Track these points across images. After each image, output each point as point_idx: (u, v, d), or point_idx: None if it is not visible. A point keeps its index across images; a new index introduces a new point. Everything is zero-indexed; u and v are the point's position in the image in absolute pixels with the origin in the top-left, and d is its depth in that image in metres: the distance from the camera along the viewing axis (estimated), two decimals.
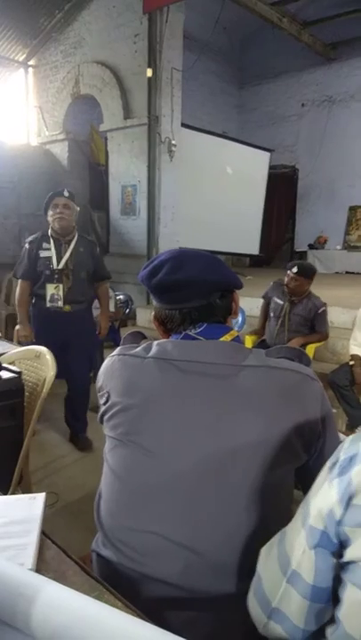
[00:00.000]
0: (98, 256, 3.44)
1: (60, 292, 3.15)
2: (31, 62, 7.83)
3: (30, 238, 3.25)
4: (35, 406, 1.86)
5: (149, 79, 5.95)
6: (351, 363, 3.46)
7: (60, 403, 3.39)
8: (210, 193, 7.53)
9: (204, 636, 0.89)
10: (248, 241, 8.76)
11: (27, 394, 1.88)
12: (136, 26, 6.08)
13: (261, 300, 4.10)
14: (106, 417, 1.07)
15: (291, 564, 0.73)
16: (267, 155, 8.70)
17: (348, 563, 0.67)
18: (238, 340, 1.09)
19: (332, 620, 0.70)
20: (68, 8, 6.90)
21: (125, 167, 6.48)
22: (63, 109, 7.40)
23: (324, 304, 3.77)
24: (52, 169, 7.64)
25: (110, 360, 1.11)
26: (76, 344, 3.24)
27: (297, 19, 8.42)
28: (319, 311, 3.72)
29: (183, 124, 6.58)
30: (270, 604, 0.75)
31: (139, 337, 1.30)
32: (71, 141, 7.50)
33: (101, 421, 1.10)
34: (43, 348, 2.04)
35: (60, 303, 3.15)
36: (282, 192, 9.95)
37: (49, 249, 3.16)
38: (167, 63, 6.04)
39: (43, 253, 3.16)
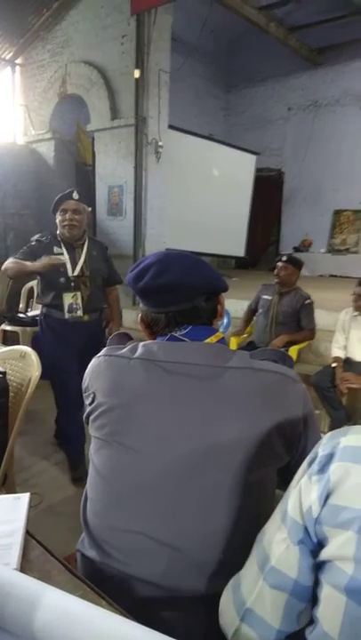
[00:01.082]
0: (110, 259, 3.24)
1: (79, 301, 2.89)
2: (18, 61, 7.77)
3: (38, 236, 2.99)
4: (19, 407, 1.85)
5: (137, 80, 5.95)
6: (333, 365, 3.50)
7: (46, 403, 3.36)
8: (196, 195, 7.55)
9: (189, 636, 0.90)
10: (234, 243, 8.80)
11: (11, 394, 1.88)
12: (124, 27, 6.07)
13: (247, 303, 4.16)
14: (91, 417, 1.07)
15: (270, 560, 0.72)
16: (253, 157, 8.75)
17: (323, 562, 0.67)
18: (223, 341, 1.11)
19: (312, 621, 0.70)
20: (56, 7, 6.85)
21: (112, 168, 6.46)
22: (50, 108, 7.36)
23: (311, 298, 3.87)
24: (37, 168, 7.59)
25: (96, 361, 1.12)
26: (91, 354, 2.87)
27: (284, 23, 8.49)
28: (306, 302, 3.82)
29: (170, 126, 6.59)
30: (245, 604, 0.74)
31: (125, 338, 1.31)
32: (58, 141, 7.46)
33: (87, 422, 1.10)
34: (27, 349, 2.03)
35: (80, 312, 2.90)
36: (268, 195, 10.00)
37: (61, 254, 2.88)
38: (155, 65, 6.05)
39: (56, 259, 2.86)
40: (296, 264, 3.87)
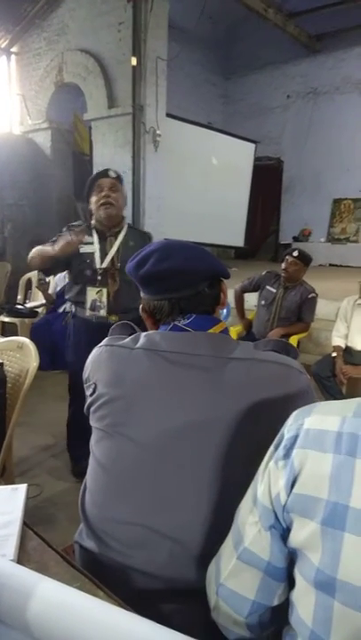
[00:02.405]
0: None
1: (104, 298, 2.53)
2: (14, 49, 7.68)
3: (71, 224, 2.67)
4: (17, 398, 1.84)
5: (134, 68, 5.89)
6: (333, 354, 3.49)
7: (44, 395, 3.36)
8: (195, 184, 7.51)
9: (188, 628, 0.89)
10: (233, 233, 8.78)
11: (9, 385, 1.87)
12: (120, 14, 5.99)
13: (238, 286, 4.12)
14: (92, 408, 1.06)
15: (243, 541, 0.73)
16: (252, 146, 8.70)
17: (293, 549, 0.67)
18: (226, 331, 1.09)
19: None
20: None
21: (110, 157, 6.41)
22: (46, 98, 7.29)
23: (316, 292, 3.85)
24: (35, 158, 7.53)
25: (97, 351, 1.10)
26: None
27: (283, 9, 8.40)
28: (309, 296, 3.80)
29: (168, 115, 6.53)
30: (220, 578, 0.75)
31: (127, 328, 1.29)
32: (54, 130, 7.40)
33: (88, 413, 1.09)
34: (25, 339, 2.02)
35: (103, 312, 2.54)
36: (267, 184, 9.96)
37: (91, 243, 2.55)
38: (152, 52, 5.98)
39: (83, 249, 2.53)
40: (306, 260, 3.80)
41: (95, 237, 2.56)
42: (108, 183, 2.51)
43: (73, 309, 2.70)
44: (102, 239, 2.56)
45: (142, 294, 1.12)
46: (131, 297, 2.42)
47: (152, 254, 1.05)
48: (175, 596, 0.92)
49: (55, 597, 0.60)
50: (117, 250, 2.55)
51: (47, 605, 0.59)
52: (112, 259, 2.54)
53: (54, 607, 0.58)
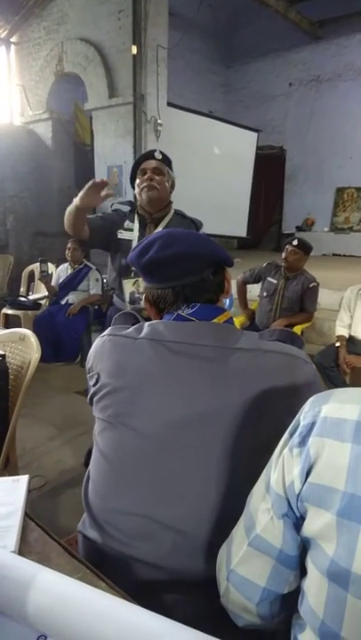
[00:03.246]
0: None
1: (142, 289, 2.31)
2: (13, 39, 7.64)
3: (119, 205, 2.47)
4: (20, 389, 1.84)
5: (134, 57, 5.84)
6: (337, 344, 3.48)
7: (48, 387, 3.37)
8: (197, 174, 7.46)
9: (190, 619, 0.89)
10: (236, 223, 8.73)
11: (11, 377, 1.86)
12: (120, 2, 5.94)
13: (240, 277, 4.11)
14: (95, 398, 1.05)
15: (255, 527, 0.72)
16: (254, 135, 8.63)
17: (307, 538, 0.66)
18: (231, 321, 1.08)
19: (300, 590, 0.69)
20: None
21: (111, 147, 6.38)
22: (47, 88, 7.25)
23: (317, 281, 3.83)
24: (35, 149, 7.51)
25: (100, 340, 1.09)
26: None
27: None
28: (310, 285, 3.78)
29: (169, 104, 6.49)
30: (231, 564, 0.74)
31: (130, 318, 1.28)
32: (55, 121, 7.36)
33: (91, 403, 1.08)
34: (27, 331, 2.01)
35: (143, 303, 2.42)
36: (270, 173, 9.89)
37: (131, 229, 2.34)
38: (152, 40, 5.93)
39: (122, 234, 2.34)
40: (306, 249, 3.77)
41: (136, 224, 2.35)
42: (152, 165, 2.29)
43: (113, 298, 2.55)
44: (143, 226, 2.35)
45: (145, 283, 1.10)
46: None
47: (155, 242, 1.04)
48: (178, 586, 0.91)
49: (55, 588, 0.59)
50: None
51: (47, 596, 0.59)
52: None
53: (54, 598, 0.58)
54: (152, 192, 2.26)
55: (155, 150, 2.34)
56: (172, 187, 2.36)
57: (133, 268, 2.30)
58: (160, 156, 2.30)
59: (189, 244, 1.04)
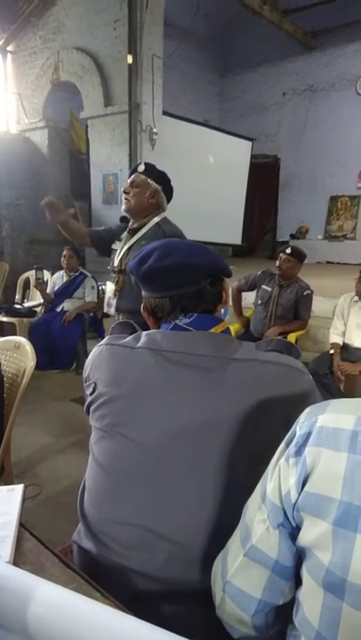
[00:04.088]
0: None
1: (115, 298, 2.44)
2: (10, 48, 7.67)
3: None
4: (15, 398, 1.84)
5: (130, 66, 5.88)
6: (331, 351, 3.50)
7: (43, 394, 3.36)
8: (192, 182, 7.49)
9: (187, 630, 0.89)
10: (231, 231, 8.75)
11: (6, 385, 1.86)
12: (116, 11, 5.98)
13: (235, 285, 4.12)
14: (92, 408, 1.05)
15: (251, 538, 0.72)
16: (248, 144, 8.68)
17: (302, 548, 0.66)
18: (228, 331, 1.08)
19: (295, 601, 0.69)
20: None
21: (107, 155, 6.40)
22: (43, 96, 7.28)
23: (311, 289, 3.84)
24: (31, 157, 7.52)
25: (98, 350, 1.09)
26: None
27: (278, 6, 8.39)
28: (305, 293, 3.79)
29: (165, 112, 6.52)
30: (226, 575, 0.74)
31: (128, 327, 1.28)
32: (51, 129, 7.39)
33: (87, 412, 1.08)
34: (22, 339, 2.01)
35: (113, 310, 2.45)
36: (264, 182, 9.94)
37: (121, 240, 2.46)
38: (148, 50, 5.97)
39: (115, 245, 2.47)
40: (300, 257, 3.78)
41: (125, 234, 2.45)
42: (131, 178, 2.39)
43: None
44: (128, 237, 2.43)
45: (144, 293, 1.11)
46: (135, 300, 2.04)
47: (154, 251, 1.05)
48: (174, 597, 0.91)
49: (53, 600, 0.59)
50: (129, 248, 2.37)
51: (45, 608, 0.59)
52: (120, 258, 2.39)
53: (52, 610, 0.58)
54: (124, 205, 2.36)
55: (140, 163, 2.44)
56: (154, 196, 2.38)
57: (114, 274, 2.43)
58: (143, 169, 2.38)
59: (188, 254, 1.05)
